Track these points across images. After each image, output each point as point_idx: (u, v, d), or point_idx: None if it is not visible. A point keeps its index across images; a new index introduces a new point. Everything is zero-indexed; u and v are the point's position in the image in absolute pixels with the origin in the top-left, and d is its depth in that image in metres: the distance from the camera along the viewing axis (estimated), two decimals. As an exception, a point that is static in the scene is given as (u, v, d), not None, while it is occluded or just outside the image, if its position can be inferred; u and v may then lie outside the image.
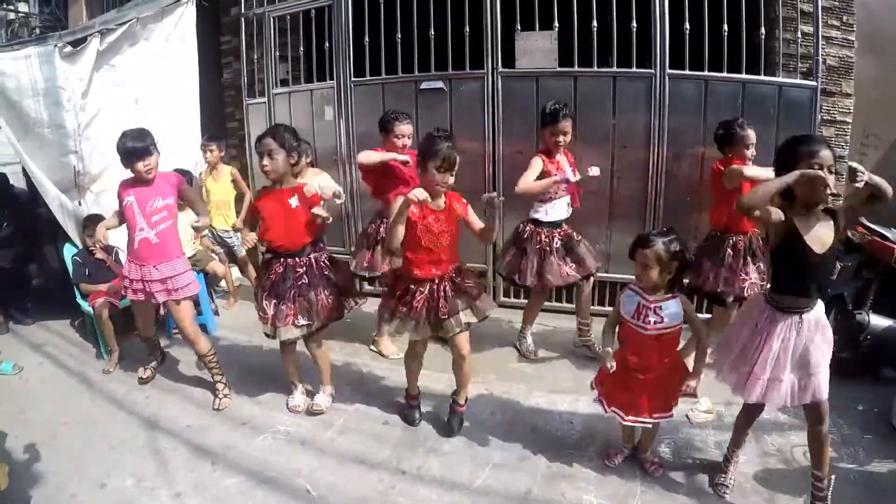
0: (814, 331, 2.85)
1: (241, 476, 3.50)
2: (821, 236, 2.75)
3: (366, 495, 3.32)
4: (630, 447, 3.53)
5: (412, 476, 3.45)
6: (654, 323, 3.09)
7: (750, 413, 3.21)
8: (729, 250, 4.13)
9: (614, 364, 3.19)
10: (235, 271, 6.71)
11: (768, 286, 3.05)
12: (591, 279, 4.71)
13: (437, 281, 3.52)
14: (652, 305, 3.09)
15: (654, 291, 3.11)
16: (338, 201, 3.93)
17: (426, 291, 3.52)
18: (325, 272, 3.95)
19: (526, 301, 5.09)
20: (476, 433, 3.83)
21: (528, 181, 4.27)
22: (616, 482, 3.34)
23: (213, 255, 6.23)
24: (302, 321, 3.85)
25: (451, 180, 3.42)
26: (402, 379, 4.19)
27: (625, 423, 3.26)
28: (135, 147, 4.06)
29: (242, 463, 3.63)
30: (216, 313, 5.88)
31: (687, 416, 3.91)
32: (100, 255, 5.27)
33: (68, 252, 5.48)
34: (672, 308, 3.09)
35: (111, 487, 3.45)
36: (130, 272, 4.29)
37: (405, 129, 4.60)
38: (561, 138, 4.33)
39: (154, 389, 4.61)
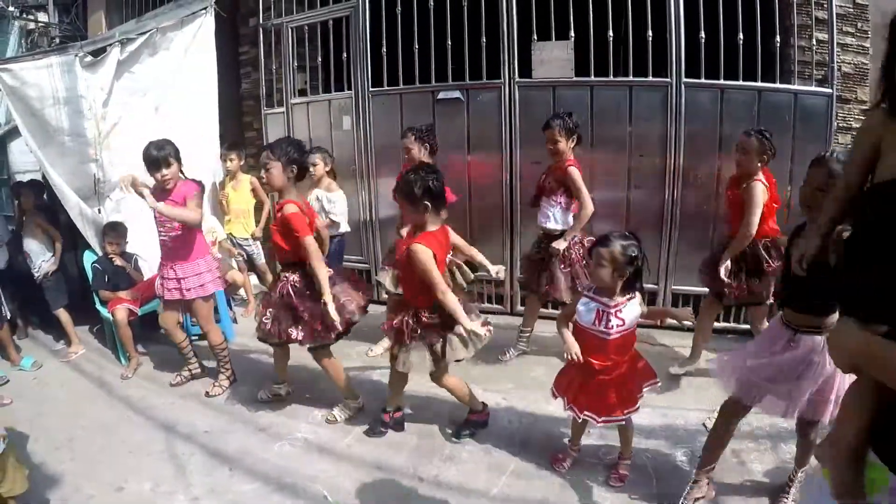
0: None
1: (259, 482, 3.52)
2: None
3: (383, 502, 3.33)
4: (577, 449, 3.57)
5: (429, 483, 3.46)
6: (616, 327, 3.09)
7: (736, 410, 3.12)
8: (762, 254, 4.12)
9: (578, 351, 3.17)
10: (254, 279, 6.76)
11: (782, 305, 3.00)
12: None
13: (409, 311, 3.59)
14: (613, 310, 3.09)
15: (609, 294, 3.10)
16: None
17: (405, 315, 3.59)
18: (288, 297, 3.90)
19: (544, 310, 5.10)
20: (493, 441, 3.82)
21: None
22: (632, 491, 3.32)
23: (233, 263, 6.28)
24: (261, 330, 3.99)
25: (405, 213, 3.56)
26: (418, 388, 4.20)
27: (598, 424, 3.25)
28: (152, 157, 4.26)
29: (260, 469, 3.64)
30: (235, 321, 5.91)
31: (704, 424, 3.89)
32: (119, 262, 5.33)
33: (88, 259, 5.53)
34: (632, 310, 3.11)
35: (128, 491, 3.49)
36: (159, 270, 4.58)
37: (404, 141, 4.78)
38: (549, 146, 4.39)
39: (172, 395, 4.64)
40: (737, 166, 4.09)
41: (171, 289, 4.46)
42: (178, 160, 4.36)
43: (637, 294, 3.15)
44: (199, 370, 4.88)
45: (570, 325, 3.30)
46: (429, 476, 3.52)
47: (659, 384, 3.39)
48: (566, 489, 3.36)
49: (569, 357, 3.17)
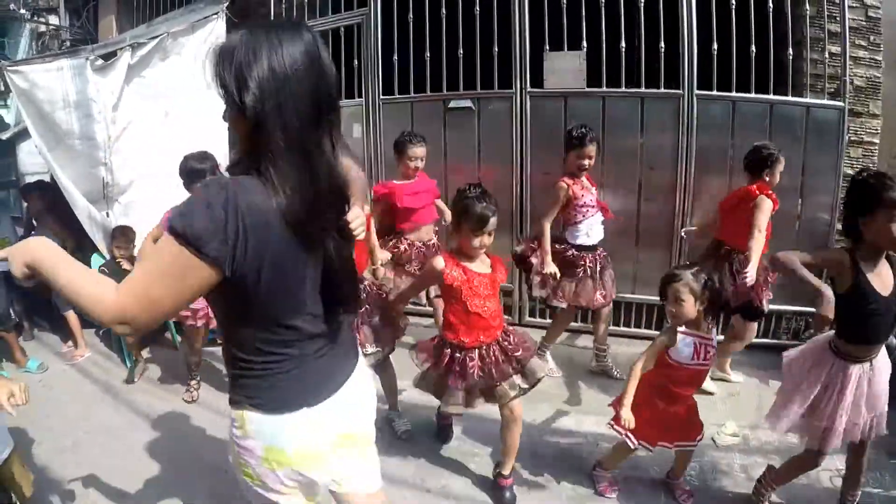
0: (882, 372, 2.86)
1: (265, 489, 3.50)
2: (884, 277, 2.73)
3: (390, 513, 3.31)
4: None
5: (436, 494, 3.45)
6: (713, 354, 3.08)
7: (811, 461, 3.11)
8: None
9: (631, 420, 3.06)
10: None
11: (833, 334, 2.93)
12: (610, 305, 4.73)
13: (485, 348, 3.24)
14: (710, 341, 3.05)
15: (697, 325, 3.05)
16: None
17: (476, 359, 3.24)
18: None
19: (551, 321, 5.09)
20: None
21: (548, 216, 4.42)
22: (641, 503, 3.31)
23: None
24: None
25: (489, 241, 3.12)
26: (427, 397, 4.18)
27: (654, 449, 3.21)
28: (195, 170, 4.14)
29: (266, 476, 3.62)
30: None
31: (713, 439, 3.88)
32: (126, 265, 5.32)
33: (95, 262, 5.52)
34: (716, 337, 3.10)
35: (133, 496, 3.48)
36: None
37: (418, 151, 4.66)
38: (586, 162, 4.36)
39: (178, 400, 4.63)
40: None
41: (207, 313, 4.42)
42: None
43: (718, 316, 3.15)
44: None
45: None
46: (436, 487, 3.51)
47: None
48: (575, 503, 3.34)
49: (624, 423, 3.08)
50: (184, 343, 4.99)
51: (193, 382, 4.71)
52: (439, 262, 3.15)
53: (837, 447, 2.93)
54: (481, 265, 3.22)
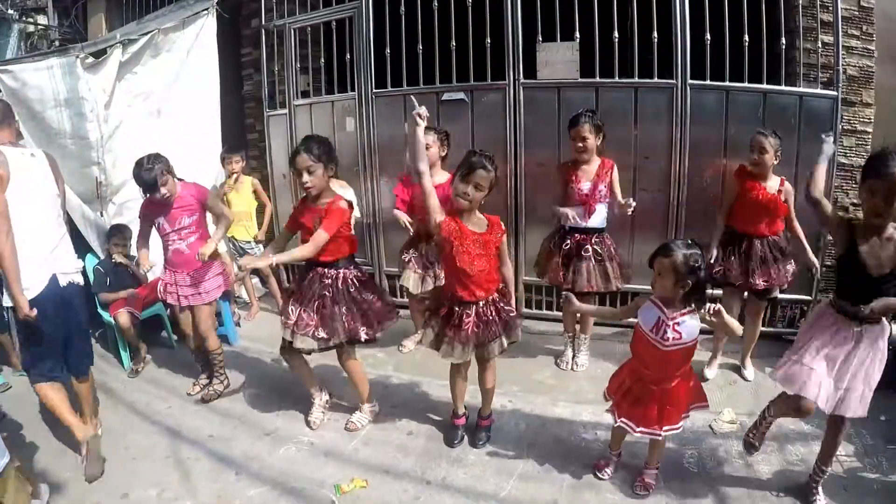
0: (870, 350, 2.88)
1: (265, 486, 3.51)
2: (881, 256, 2.79)
3: (391, 506, 3.31)
4: (617, 454, 3.52)
5: (437, 486, 3.45)
6: (673, 339, 2.99)
7: (791, 403, 3.14)
8: (765, 249, 4.27)
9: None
10: (258, 283, 6.75)
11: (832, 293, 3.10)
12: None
13: (482, 304, 3.47)
14: (671, 322, 2.99)
15: (671, 304, 3.01)
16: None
17: (473, 315, 3.46)
18: (352, 290, 3.80)
19: (550, 312, 5.09)
20: (501, 444, 3.81)
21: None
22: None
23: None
24: (322, 333, 3.71)
25: (474, 194, 3.27)
26: (426, 390, 4.18)
27: (635, 434, 3.20)
28: (145, 180, 4.13)
29: (266, 473, 3.63)
30: (238, 324, 5.88)
31: (710, 426, 3.90)
32: (122, 259, 5.30)
33: (90, 263, 5.47)
34: (690, 324, 3.00)
35: (134, 497, 3.46)
36: (166, 276, 4.50)
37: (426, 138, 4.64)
38: (579, 143, 4.38)
39: (176, 400, 4.62)
40: (755, 165, 4.21)
41: (188, 294, 4.42)
42: (171, 171, 4.27)
43: (699, 307, 3.03)
44: (228, 382, 4.74)
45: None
46: (436, 479, 3.52)
47: (708, 407, 3.33)
48: (575, 491, 3.36)
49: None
50: (180, 342, 4.97)
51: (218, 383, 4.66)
52: (440, 215, 3.35)
53: (798, 390, 2.97)
54: (477, 226, 3.40)
